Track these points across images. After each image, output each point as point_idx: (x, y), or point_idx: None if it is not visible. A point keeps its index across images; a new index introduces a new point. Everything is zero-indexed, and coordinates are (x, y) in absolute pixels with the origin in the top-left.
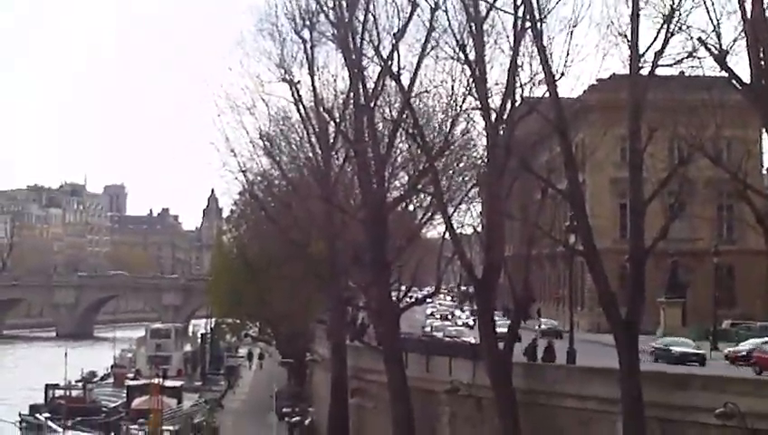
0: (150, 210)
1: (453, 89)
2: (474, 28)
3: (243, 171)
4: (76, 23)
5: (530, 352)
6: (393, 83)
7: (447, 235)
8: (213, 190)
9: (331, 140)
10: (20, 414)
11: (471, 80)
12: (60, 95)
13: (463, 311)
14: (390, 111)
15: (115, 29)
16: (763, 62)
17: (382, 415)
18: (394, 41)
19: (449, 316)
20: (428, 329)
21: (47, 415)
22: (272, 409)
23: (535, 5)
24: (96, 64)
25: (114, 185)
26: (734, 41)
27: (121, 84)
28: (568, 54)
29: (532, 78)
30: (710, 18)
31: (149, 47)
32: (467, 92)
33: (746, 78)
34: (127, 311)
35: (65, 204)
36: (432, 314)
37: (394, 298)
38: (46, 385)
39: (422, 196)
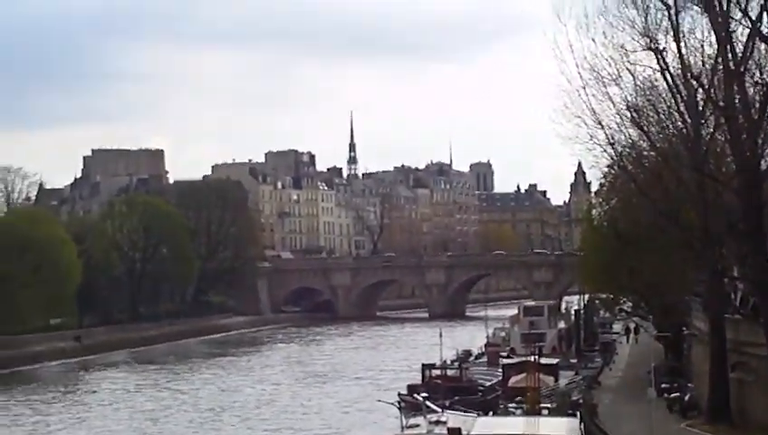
0: (518, 186)
1: None
2: None
3: (611, 143)
4: None
5: None
6: (763, 46)
7: None
8: (580, 164)
9: (701, 108)
10: (399, 394)
11: None
12: (423, 76)
13: None
14: (761, 74)
15: None
16: None
17: (765, 390)
18: (763, 1)
19: None
20: None
21: (425, 394)
22: (650, 384)
23: None
24: None
25: (480, 162)
26: None
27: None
28: None
29: None
30: None
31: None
32: None
33: None
34: (497, 289)
35: (432, 184)
36: None
37: None
38: (423, 365)
39: None
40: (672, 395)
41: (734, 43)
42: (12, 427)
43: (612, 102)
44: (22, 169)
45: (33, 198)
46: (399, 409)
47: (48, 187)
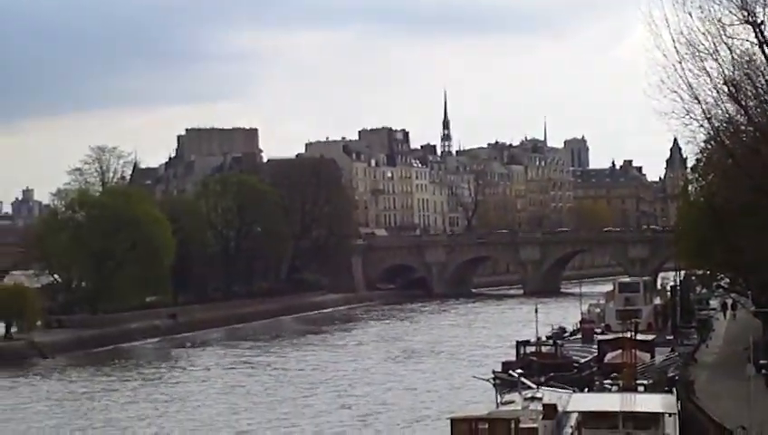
0: (612, 162)
1: None
2: None
3: (708, 118)
4: None
5: None
6: None
7: None
8: (675, 139)
9: None
10: (493, 371)
11: None
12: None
13: None
14: None
15: None
16: None
17: None
18: None
19: None
20: None
21: (519, 371)
22: (748, 361)
23: None
24: None
25: (574, 139)
26: None
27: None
28: None
29: None
30: None
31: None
32: None
33: None
34: (592, 266)
35: (527, 160)
36: None
37: None
38: (517, 342)
39: None
40: None
41: None
42: (110, 403)
43: (709, 77)
44: (116, 149)
45: (128, 177)
46: (494, 386)
47: (142, 166)
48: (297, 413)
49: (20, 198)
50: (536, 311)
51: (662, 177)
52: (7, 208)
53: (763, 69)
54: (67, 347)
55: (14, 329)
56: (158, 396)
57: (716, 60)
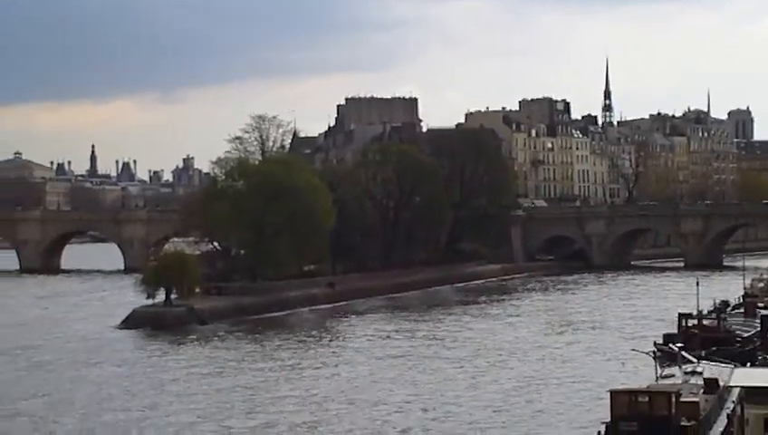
0: None
1: None
2: None
3: None
4: None
5: None
6: None
7: None
8: None
9: None
10: (654, 344)
11: None
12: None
13: None
14: None
15: None
16: None
17: None
18: None
19: None
20: None
21: (680, 344)
22: None
23: None
24: None
25: (739, 110)
26: None
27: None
28: None
29: None
30: None
31: None
32: None
33: None
34: (756, 239)
35: (689, 132)
36: None
37: None
38: (679, 315)
39: None
40: None
41: None
42: (274, 367)
43: None
44: (276, 118)
45: (287, 146)
46: (654, 358)
47: (302, 135)
48: (454, 382)
49: (180, 167)
50: (697, 284)
51: None
52: (168, 176)
53: None
54: (225, 314)
55: (174, 295)
56: (317, 363)
57: None
